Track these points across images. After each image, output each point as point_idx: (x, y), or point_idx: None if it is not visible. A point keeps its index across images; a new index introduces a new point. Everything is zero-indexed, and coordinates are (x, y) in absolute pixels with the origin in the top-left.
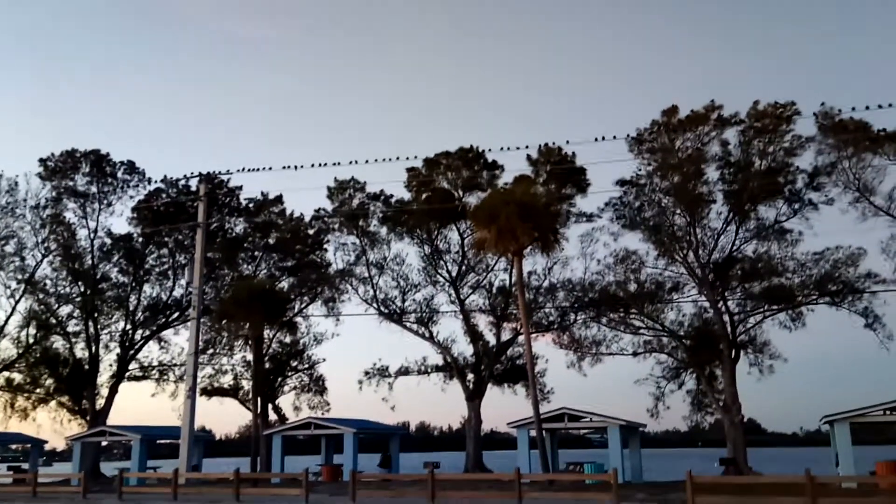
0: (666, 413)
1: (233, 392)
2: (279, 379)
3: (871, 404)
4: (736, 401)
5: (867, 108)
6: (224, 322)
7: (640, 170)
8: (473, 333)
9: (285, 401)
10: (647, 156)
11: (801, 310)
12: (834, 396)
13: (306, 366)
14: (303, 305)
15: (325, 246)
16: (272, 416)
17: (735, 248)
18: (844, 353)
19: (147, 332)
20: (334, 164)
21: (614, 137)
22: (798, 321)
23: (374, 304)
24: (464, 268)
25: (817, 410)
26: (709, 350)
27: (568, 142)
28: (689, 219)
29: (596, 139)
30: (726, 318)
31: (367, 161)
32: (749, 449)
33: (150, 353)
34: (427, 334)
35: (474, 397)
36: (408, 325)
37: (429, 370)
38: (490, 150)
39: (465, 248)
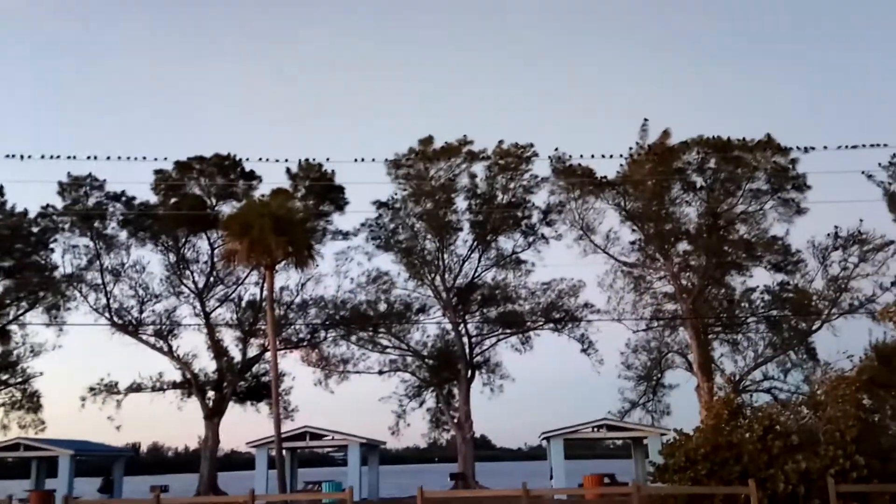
0: (406, 430)
1: None
2: None
3: (582, 422)
4: (469, 418)
5: (592, 156)
6: None
7: (396, 193)
8: (218, 348)
9: None
10: (404, 181)
11: (530, 334)
12: (554, 414)
13: (19, 380)
14: (19, 312)
15: (52, 247)
16: None
17: (477, 274)
18: (564, 374)
19: None
20: (69, 157)
21: (373, 160)
22: (527, 344)
23: (107, 314)
24: (212, 279)
25: (539, 427)
26: (448, 369)
27: (328, 159)
28: (439, 244)
29: (356, 160)
30: (465, 339)
31: (108, 157)
32: (478, 463)
33: None
34: (166, 348)
35: (213, 416)
36: (144, 337)
37: (165, 387)
38: (248, 159)
39: (215, 259)
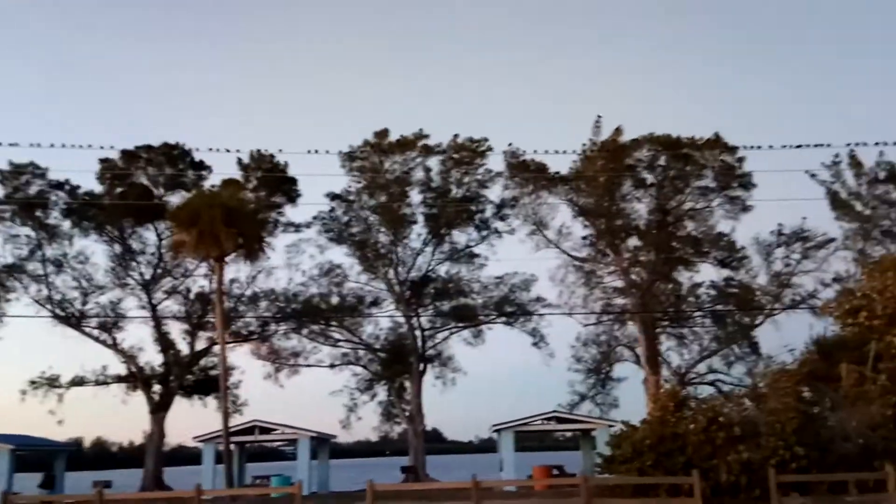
0: (358, 424)
1: None
2: None
3: (533, 415)
4: (420, 411)
5: (546, 151)
6: None
7: (350, 186)
8: (165, 342)
9: None
10: (358, 173)
11: (482, 327)
12: (505, 407)
13: None
14: None
15: None
16: None
17: (430, 268)
18: (515, 368)
19: None
20: (10, 144)
21: (327, 152)
22: (479, 338)
23: (49, 306)
24: (159, 271)
25: (491, 420)
26: (401, 363)
27: (281, 150)
28: (393, 237)
29: (309, 151)
30: (418, 333)
31: (51, 145)
32: (429, 456)
33: None
34: (110, 341)
35: (159, 410)
36: (88, 330)
37: (109, 380)
38: (198, 149)
39: (163, 250)
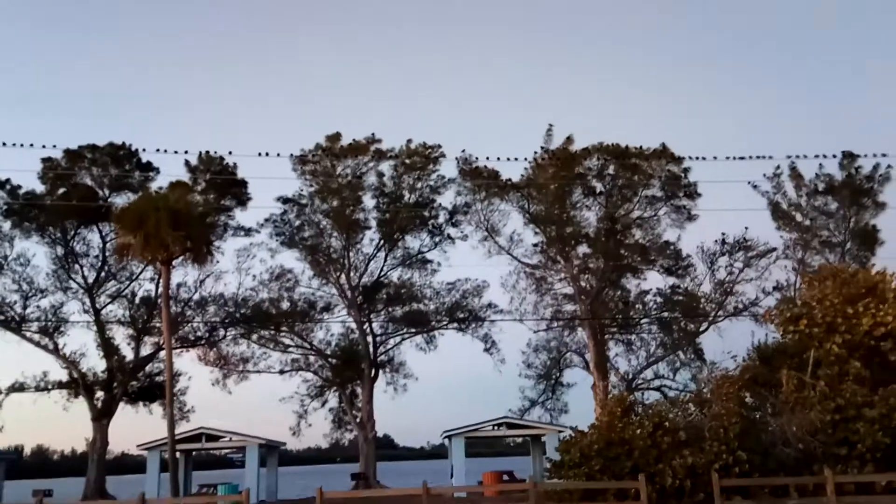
0: (308, 431)
1: None
2: None
3: (483, 420)
4: (371, 417)
5: (498, 158)
6: None
7: (302, 190)
8: (108, 347)
9: None
10: (310, 177)
11: (435, 333)
12: (456, 413)
13: None
14: None
15: None
16: None
17: (383, 273)
18: (467, 374)
19: None
20: None
21: (278, 155)
22: (431, 344)
23: None
24: (103, 274)
25: (442, 426)
26: (352, 369)
27: (231, 152)
28: (345, 242)
29: (260, 154)
30: (370, 338)
31: None
32: (380, 463)
33: None
34: (51, 346)
35: (102, 417)
36: (28, 335)
37: (50, 387)
38: (145, 150)
39: (107, 253)
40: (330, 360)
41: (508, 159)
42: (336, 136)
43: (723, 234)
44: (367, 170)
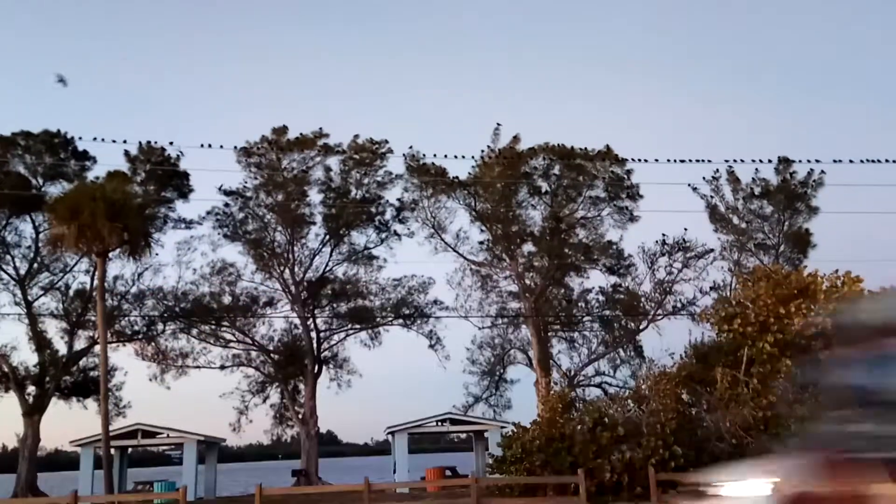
0: (249, 427)
1: None
2: None
3: (427, 416)
4: (314, 413)
5: (445, 156)
6: None
7: (246, 182)
8: (40, 340)
9: None
10: (255, 170)
11: (380, 329)
12: (401, 409)
13: None
14: None
15: None
16: None
17: (328, 268)
18: (411, 370)
19: None
20: None
21: (221, 147)
22: (376, 340)
23: None
24: (36, 266)
25: (386, 422)
26: (295, 365)
27: (172, 143)
28: (290, 237)
29: (202, 145)
30: (313, 334)
31: None
32: (323, 459)
33: None
34: None
35: (33, 412)
36: None
37: None
38: (81, 138)
39: (40, 244)
40: (272, 355)
41: (456, 157)
42: (282, 130)
43: (663, 234)
44: (314, 164)
